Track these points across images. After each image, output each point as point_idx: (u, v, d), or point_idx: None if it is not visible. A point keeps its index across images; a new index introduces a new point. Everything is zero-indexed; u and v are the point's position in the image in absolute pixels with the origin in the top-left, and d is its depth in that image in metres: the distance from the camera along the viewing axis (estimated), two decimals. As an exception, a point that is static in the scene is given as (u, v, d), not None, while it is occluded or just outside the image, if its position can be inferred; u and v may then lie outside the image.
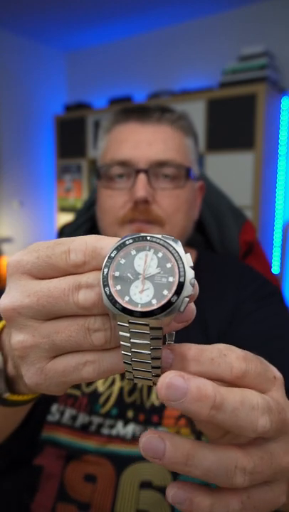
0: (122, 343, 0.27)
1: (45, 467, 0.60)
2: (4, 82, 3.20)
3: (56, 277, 0.28)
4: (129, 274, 0.27)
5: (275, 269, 2.62)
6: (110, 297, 0.26)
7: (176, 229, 0.71)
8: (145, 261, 0.27)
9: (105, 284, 0.26)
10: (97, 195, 0.76)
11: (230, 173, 2.44)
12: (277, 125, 2.57)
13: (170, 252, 0.27)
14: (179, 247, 0.27)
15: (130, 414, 0.61)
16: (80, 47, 3.53)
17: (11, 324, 0.29)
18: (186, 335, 0.66)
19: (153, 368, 0.28)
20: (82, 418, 0.62)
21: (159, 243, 0.27)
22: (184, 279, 0.26)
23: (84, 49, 3.54)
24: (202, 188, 0.80)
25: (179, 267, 0.27)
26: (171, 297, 0.26)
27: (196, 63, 2.97)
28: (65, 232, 0.90)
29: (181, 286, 0.26)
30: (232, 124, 2.46)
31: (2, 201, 3.24)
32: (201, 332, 0.67)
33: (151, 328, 0.26)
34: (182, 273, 0.26)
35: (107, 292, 0.26)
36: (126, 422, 0.61)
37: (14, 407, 0.36)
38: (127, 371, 0.28)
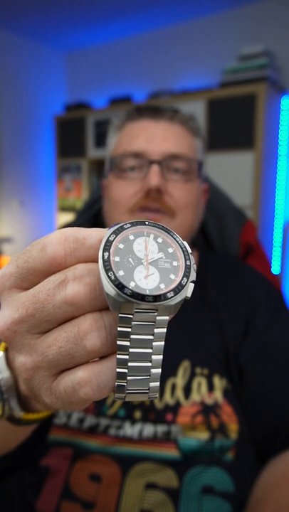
0: (119, 342, 0.24)
1: (50, 466, 0.60)
2: (4, 82, 3.20)
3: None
4: (130, 260, 0.25)
5: (275, 269, 2.62)
6: (116, 282, 0.23)
7: (186, 223, 0.71)
8: (146, 246, 0.25)
9: (108, 269, 0.24)
10: (107, 188, 0.77)
11: (230, 173, 2.44)
12: (277, 125, 2.57)
13: (171, 236, 0.26)
14: (177, 234, 0.27)
15: (138, 414, 0.61)
16: (80, 47, 3.52)
17: (11, 346, 0.27)
18: (202, 333, 0.67)
19: (152, 370, 0.25)
20: (90, 420, 0.61)
21: (158, 228, 0.26)
22: (190, 262, 0.26)
23: (84, 49, 3.54)
24: (206, 192, 0.81)
25: (183, 252, 0.26)
26: (181, 280, 0.25)
27: (196, 63, 2.96)
28: None
29: (188, 269, 0.25)
30: (232, 124, 2.46)
31: (2, 201, 3.24)
32: (216, 333, 0.67)
33: (158, 318, 0.24)
34: (187, 257, 0.26)
35: (112, 277, 0.23)
36: (133, 422, 0.60)
37: (28, 425, 0.35)
38: (118, 385, 0.25)
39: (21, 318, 0.26)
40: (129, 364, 0.25)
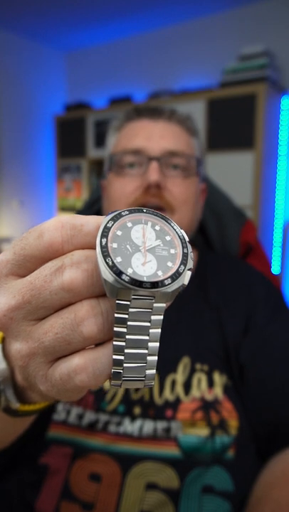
0: (116, 329, 0.24)
1: (50, 466, 0.60)
2: (4, 83, 3.20)
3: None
4: (128, 246, 0.25)
5: (275, 269, 2.62)
6: (114, 268, 0.23)
7: (185, 219, 0.72)
8: (143, 233, 0.26)
9: (106, 255, 0.24)
10: (106, 188, 0.77)
11: (230, 173, 2.44)
12: (277, 125, 2.57)
13: (169, 224, 0.26)
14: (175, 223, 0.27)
15: (137, 410, 0.61)
16: (80, 47, 3.52)
17: (7, 333, 0.27)
18: (202, 330, 0.67)
19: (149, 357, 0.25)
20: (89, 416, 0.61)
21: (156, 215, 0.26)
22: (188, 250, 0.26)
23: (84, 49, 3.54)
24: (205, 191, 0.81)
25: (181, 240, 0.26)
26: (179, 267, 0.25)
27: (196, 63, 2.96)
28: None
29: (186, 257, 0.25)
30: (232, 124, 2.46)
31: (2, 201, 3.24)
32: (216, 330, 0.67)
33: (155, 304, 0.24)
34: (185, 244, 0.26)
35: (110, 263, 0.23)
36: (133, 419, 0.60)
37: (25, 417, 0.35)
38: (114, 372, 0.25)
39: (18, 304, 0.26)
40: (126, 351, 0.25)
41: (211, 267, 0.76)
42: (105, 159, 0.79)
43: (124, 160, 0.71)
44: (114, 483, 0.56)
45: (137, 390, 0.63)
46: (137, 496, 0.55)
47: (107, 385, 0.63)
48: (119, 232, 0.25)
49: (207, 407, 0.61)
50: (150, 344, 0.25)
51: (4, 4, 2.77)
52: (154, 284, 0.24)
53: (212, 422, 0.60)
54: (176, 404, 0.61)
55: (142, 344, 0.25)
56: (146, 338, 0.25)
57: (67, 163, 3.34)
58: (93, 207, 0.91)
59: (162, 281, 0.24)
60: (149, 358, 0.25)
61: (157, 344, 0.25)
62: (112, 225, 0.25)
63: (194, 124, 0.79)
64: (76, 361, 0.25)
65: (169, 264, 0.25)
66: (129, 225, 0.26)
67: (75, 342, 0.25)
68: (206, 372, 0.64)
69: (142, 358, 0.25)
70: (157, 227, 0.26)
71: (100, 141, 3.06)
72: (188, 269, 0.25)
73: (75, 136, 3.25)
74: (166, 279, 0.24)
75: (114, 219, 0.25)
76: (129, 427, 0.60)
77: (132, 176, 0.71)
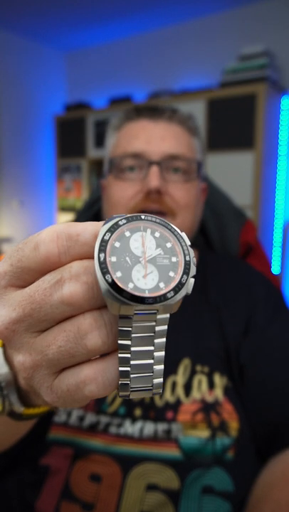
0: (120, 341, 0.24)
1: (51, 466, 0.60)
2: (4, 83, 3.20)
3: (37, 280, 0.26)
4: (127, 259, 0.24)
5: (275, 269, 2.62)
6: (114, 286, 0.22)
7: (186, 223, 0.71)
8: (143, 243, 0.24)
9: (105, 272, 0.23)
10: (106, 189, 0.77)
11: (230, 173, 2.44)
12: (277, 125, 2.57)
13: (168, 229, 0.25)
14: (175, 226, 0.26)
15: (138, 412, 0.61)
16: (80, 47, 3.52)
17: (9, 345, 0.27)
18: (202, 331, 0.67)
19: (155, 367, 0.25)
20: (90, 418, 0.61)
21: (155, 222, 0.25)
22: (190, 257, 0.25)
23: (84, 49, 3.54)
24: (205, 191, 0.81)
25: (181, 246, 0.25)
26: (181, 278, 0.24)
27: (196, 63, 2.96)
28: None
29: (188, 265, 0.24)
30: (232, 124, 2.46)
31: (2, 201, 3.24)
32: (216, 330, 0.67)
33: (159, 316, 0.24)
34: (186, 251, 0.25)
35: (109, 280, 0.23)
36: (134, 420, 0.60)
37: (29, 420, 0.35)
38: (122, 384, 0.25)
39: (19, 317, 0.25)
40: (132, 362, 0.24)
41: (211, 267, 0.75)
42: (105, 159, 0.79)
43: (124, 163, 0.70)
44: (115, 484, 0.56)
45: None
46: (137, 497, 0.55)
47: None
48: (117, 244, 0.24)
49: (208, 408, 0.61)
50: (156, 354, 0.25)
51: (4, 4, 2.77)
52: (156, 299, 0.23)
53: (213, 423, 0.60)
54: (176, 406, 0.61)
55: (148, 355, 0.25)
56: (152, 348, 0.25)
57: (67, 163, 3.34)
58: (93, 207, 0.91)
59: (165, 294, 0.23)
60: (155, 367, 0.25)
61: (163, 353, 0.25)
62: (110, 237, 0.24)
63: (196, 123, 0.78)
64: (85, 372, 0.25)
65: (171, 274, 0.24)
66: (128, 234, 0.24)
67: (79, 354, 0.25)
68: (207, 373, 0.64)
69: (148, 368, 0.25)
70: (157, 234, 0.25)
71: (100, 141, 3.06)
72: (192, 277, 0.24)
73: (75, 136, 3.25)
74: (169, 291, 0.23)
75: (112, 230, 0.24)
76: (130, 428, 0.60)
77: (132, 180, 0.70)
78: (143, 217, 0.25)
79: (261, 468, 0.61)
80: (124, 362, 0.24)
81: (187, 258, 0.25)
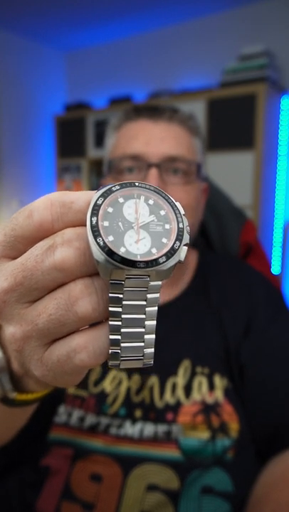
0: (111, 309, 0.24)
1: (51, 467, 0.60)
2: (4, 82, 3.20)
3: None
4: (120, 224, 0.24)
5: (275, 269, 2.62)
6: (105, 248, 0.22)
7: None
8: (136, 209, 0.24)
9: (96, 235, 0.23)
10: None
11: (230, 173, 2.44)
12: (277, 125, 2.57)
13: (162, 197, 0.25)
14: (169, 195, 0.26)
15: (138, 413, 0.61)
16: (80, 47, 3.52)
17: (0, 317, 0.27)
18: (203, 331, 0.67)
19: (146, 336, 0.25)
20: (90, 419, 0.61)
21: (149, 189, 0.25)
22: (183, 224, 0.25)
23: (84, 49, 3.54)
24: (206, 191, 0.81)
25: (175, 213, 0.25)
26: (174, 244, 0.24)
27: (196, 63, 2.96)
28: None
29: (181, 232, 0.24)
30: (232, 124, 2.46)
31: (2, 201, 3.24)
32: (217, 331, 0.67)
33: (151, 283, 0.24)
34: (180, 219, 0.25)
35: (101, 243, 0.22)
36: (134, 422, 0.60)
37: (22, 407, 0.35)
38: (112, 353, 0.25)
39: (10, 287, 0.25)
40: (122, 330, 0.24)
41: (212, 268, 0.75)
42: (104, 159, 0.79)
43: (123, 165, 0.70)
44: (115, 484, 0.56)
45: (138, 390, 0.63)
46: (138, 497, 0.56)
47: (107, 388, 0.63)
48: (110, 209, 0.24)
49: (208, 410, 0.61)
50: (147, 323, 0.25)
51: (4, 4, 2.77)
52: (148, 263, 0.23)
53: (213, 425, 0.60)
54: (176, 407, 0.61)
55: (139, 323, 0.24)
56: (143, 316, 0.24)
57: (67, 163, 3.34)
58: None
59: (156, 259, 0.23)
60: (146, 336, 0.25)
61: (154, 323, 0.25)
62: (103, 201, 0.24)
63: (197, 122, 0.77)
64: (76, 341, 0.25)
65: (164, 240, 0.24)
66: (121, 200, 0.24)
67: (70, 322, 0.25)
68: (207, 375, 0.64)
69: (139, 337, 0.25)
70: (151, 201, 0.25)
71: (100, 141, 3.06)
72: (185, 245, 0.24)
73: (75, 136, 3.25)
74: (161, 257, 0.23)
75: (105, 195, 0.24)
76: (130, 429, 0.60)
77: None
78: (137, 184, 0.25)
79: (261, 468, 0.61)
80: (115, 330, 0.24)
81: (180, 225, 0.24)
